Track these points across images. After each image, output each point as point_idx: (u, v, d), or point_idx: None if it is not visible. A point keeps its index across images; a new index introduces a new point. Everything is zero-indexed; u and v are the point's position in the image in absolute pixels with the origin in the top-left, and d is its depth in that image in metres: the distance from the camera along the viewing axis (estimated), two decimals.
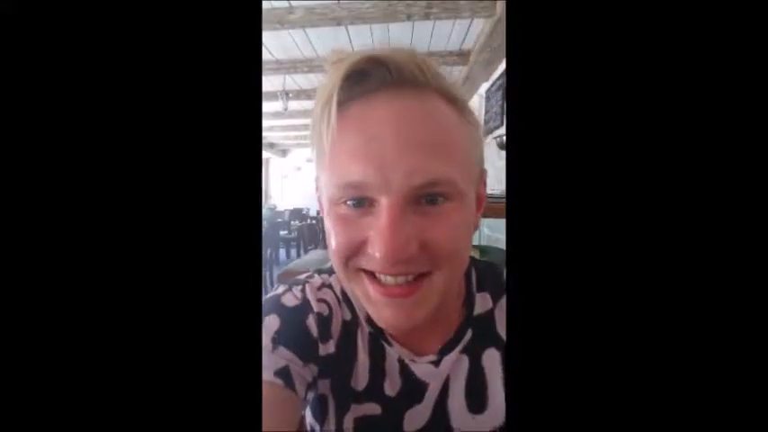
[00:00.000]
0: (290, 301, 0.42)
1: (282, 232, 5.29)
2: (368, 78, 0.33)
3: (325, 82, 0.34)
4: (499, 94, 2.56)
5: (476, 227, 0.38)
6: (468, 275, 0.46)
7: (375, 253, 0.31)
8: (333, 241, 0.34)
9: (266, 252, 4.03)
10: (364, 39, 2.53)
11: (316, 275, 0.46)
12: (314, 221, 5.53)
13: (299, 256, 5.00)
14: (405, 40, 2.64)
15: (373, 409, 0.42)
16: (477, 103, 3.12)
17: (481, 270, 0.47)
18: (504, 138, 1.98)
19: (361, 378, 0.42)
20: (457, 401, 0.42)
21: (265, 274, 3.81)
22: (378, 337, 0.43)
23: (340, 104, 0.32)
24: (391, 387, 0.42)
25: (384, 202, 0.31)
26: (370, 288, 0.34)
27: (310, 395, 0.42)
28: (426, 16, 2.12)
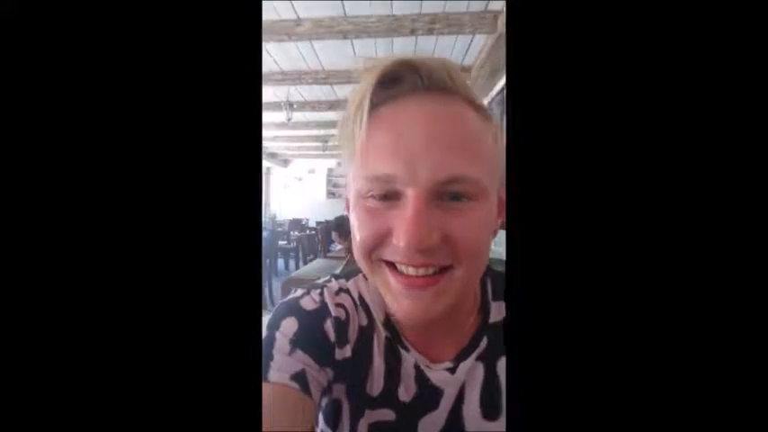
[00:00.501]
0: (309, 304, 0.42)
1: (282, 242, 5.29)
2: (400, 83, 0.34)
3: (358, 86, 0.35)
4: (498, 110, 2.59)
5: (495, 232, 0.38)
6: (483, 284, 0.47)
7: (399, 242, 0.32)
8: (358, 233, 0.36)
9: (265, 262, 4.00)
10: (368, 52, 2.56)
11: (333, 280, 0.46)
12: (313, 232, 5.52)
13: (297, 266, 4.98)
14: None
15: (388, 415, 0.41)
16: None
17: (497, 279, 0.48)
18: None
19: (376, 383, 0.42)
20: (472, 409, 0.42)
21: (264, 283, 3.79)
22: (394, 342, 0.43)
23: (372, 107, 0.34)
24: (406, 393, 0.42)
25: (410, 194, 0.32)
26: (391, 279, 0.35)
27: (324, 400, 0.42)
28: (430, 31, 2.15)
